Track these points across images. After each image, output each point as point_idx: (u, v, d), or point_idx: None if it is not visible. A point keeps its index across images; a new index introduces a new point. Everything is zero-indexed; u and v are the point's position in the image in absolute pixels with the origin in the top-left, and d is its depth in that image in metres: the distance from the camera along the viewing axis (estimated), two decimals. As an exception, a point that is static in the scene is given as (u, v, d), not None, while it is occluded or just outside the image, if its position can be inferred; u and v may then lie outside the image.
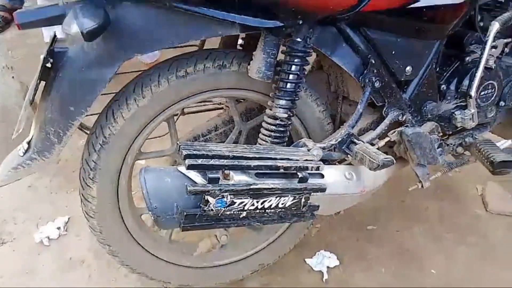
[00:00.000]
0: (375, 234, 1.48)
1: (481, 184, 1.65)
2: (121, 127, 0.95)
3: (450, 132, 1.24)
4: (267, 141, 0.99)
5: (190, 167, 0.75)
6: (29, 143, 0.90)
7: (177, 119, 1.25)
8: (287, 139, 1.02)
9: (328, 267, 1.36)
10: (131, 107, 0.95)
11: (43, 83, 0.85)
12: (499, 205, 1.56)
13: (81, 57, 0.83)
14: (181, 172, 0.78)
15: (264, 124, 1.00)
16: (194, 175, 0.78)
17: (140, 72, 0.98)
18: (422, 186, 1.18)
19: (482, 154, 1.15)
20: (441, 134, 1.18)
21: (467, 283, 1.33)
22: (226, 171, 0.81)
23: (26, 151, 0.90)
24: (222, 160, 0.79)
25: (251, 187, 0.79)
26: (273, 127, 0.98)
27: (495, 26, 1.06)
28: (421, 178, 1.16)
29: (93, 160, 0.97)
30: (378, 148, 1.08)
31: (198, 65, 0.96)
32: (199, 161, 0.76)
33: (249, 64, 0.96)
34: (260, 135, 1.01)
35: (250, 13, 0.82)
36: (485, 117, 1.23)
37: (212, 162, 0.77)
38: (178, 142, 0.82)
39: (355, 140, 1.00)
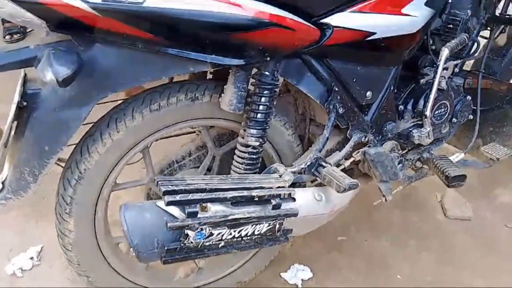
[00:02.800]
0: (345, 245, 1.56)
1: (440, 191, 1.77)
2: (96, 162, 0.97)
3: (409, 148, 1.33)
4: (240, 168, 1.04)
5: (169, 203, 0.78)
6: (3, 182, 0.90)
7: (150, 144, 1.27)
8: (259, 164, 1.07)
9: (302, 279, 1.42)
10: (105, 141, 0.97)
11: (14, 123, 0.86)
12: (456, 211, 1.68)
13: (55, 98, 0.84)
14: (160, 207, 0.81)
15: (237, 152, 1.04)
16: (173, 209, 0.81)
17: (114, 106, 1.00)
18: (385, 199, 1.26)
19: (438, 169, 1.24)
20: (400, 149, 1.27)
21: (430, 286, 1.43)
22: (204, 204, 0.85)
23: (1, 190, 0.90)
24: (200, 194, 0.82)
25: (228, 217, 0.83)
26: (246, 155, 1.03)
27: (445, 52, 1.16)
28: (384, 192, 1.24)
29: (69, 195, 0.98)
30: (344, 168, 1.16)
31: (171, 98, 1.00)
32: (178, 197, 0.80)
33: (220, 95, 1.01)
34: (233, 162, 1.05)
35: (220, 52, 0.86)
36: (440, 133, 1.33)
37: (190, 196, 0.81)
38: (156, 177, 0.85)
39: (323, 163, 1.07)
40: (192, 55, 0.85)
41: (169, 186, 0.81)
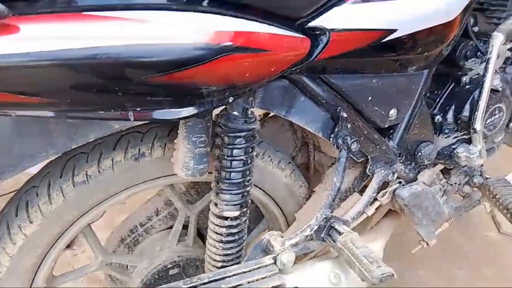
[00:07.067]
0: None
1: (488, 198, 1.42)
2: (8, 269, 0.68)
3: (452, 167, 0.99)
4: (217, 248, 0.73)
5: None
6: None
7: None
8: (245, 236, 0.75)
9: None
10: (15, 238, 0.67)
11: None
12: (512, 223, 1.34)
13: None
14: None
15: (211, 225, 0.73)
16: None
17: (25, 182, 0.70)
18: (427, 244, 0.94)
19: (499, 202, 0.90)
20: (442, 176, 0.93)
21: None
22: None
23: None
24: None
25: None
26: (223, 230, 0.71)
27: (498, 39, 0.80)
28: (426, 237, 0.92)
29: (-20, 316, 0.70)
30: (367, 216, 0.84)
31: (104, 161, 0.68)
32: None
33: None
34: (208, 238, 0.74)
35: (149, 105, 0.53)
36: (492, 143, 0.98)
37: None
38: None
39: (336, 225, 0.74)
40: (99, 115, 0.53)
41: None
